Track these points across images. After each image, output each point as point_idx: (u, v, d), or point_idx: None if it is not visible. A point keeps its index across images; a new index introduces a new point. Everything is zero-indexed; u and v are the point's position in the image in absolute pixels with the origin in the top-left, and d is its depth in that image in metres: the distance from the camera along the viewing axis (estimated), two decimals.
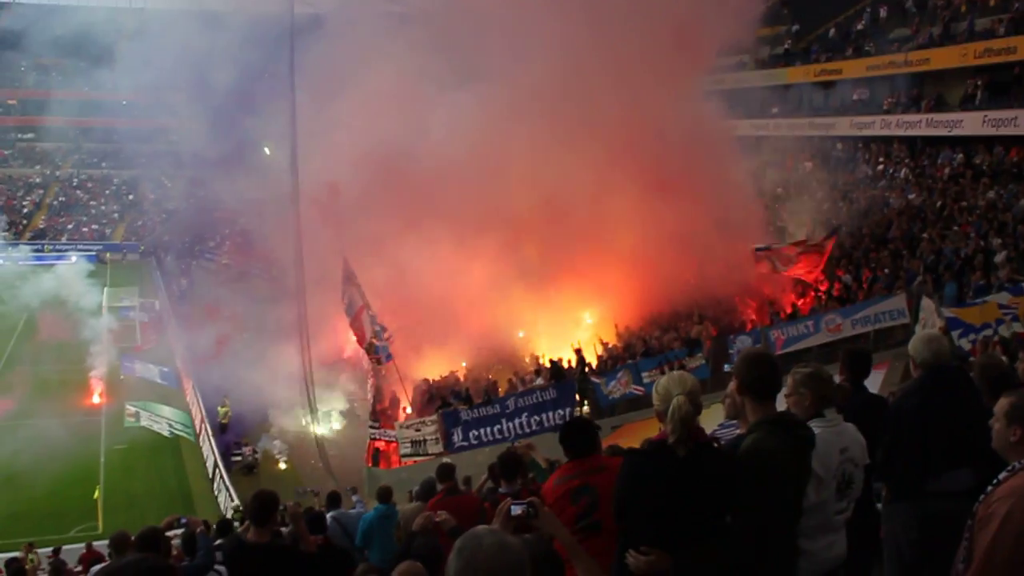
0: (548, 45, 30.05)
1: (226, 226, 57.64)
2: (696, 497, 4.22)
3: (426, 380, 29.94)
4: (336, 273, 28.57)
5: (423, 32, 35.38)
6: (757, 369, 4.70)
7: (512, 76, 30.53)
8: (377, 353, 27.75)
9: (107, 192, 76.32)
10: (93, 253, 65.53)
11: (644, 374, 23.61)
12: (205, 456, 29.77)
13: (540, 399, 24.11)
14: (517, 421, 23.95)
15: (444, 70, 33.35)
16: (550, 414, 23.78)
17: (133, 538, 8.39)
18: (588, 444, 5.59)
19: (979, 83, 31.88)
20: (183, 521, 9.57)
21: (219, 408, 31.42)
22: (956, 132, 31.57)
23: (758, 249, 25.96)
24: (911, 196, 29.64)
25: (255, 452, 29.41)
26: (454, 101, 31.73)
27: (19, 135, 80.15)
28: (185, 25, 43.71)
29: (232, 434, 30.70)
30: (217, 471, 27.64)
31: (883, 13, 39.51)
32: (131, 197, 74.78)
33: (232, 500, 24.80)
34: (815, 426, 4.80)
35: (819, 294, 25.20)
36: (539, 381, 25.96)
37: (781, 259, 25.28)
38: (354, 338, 28.87)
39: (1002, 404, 4.31)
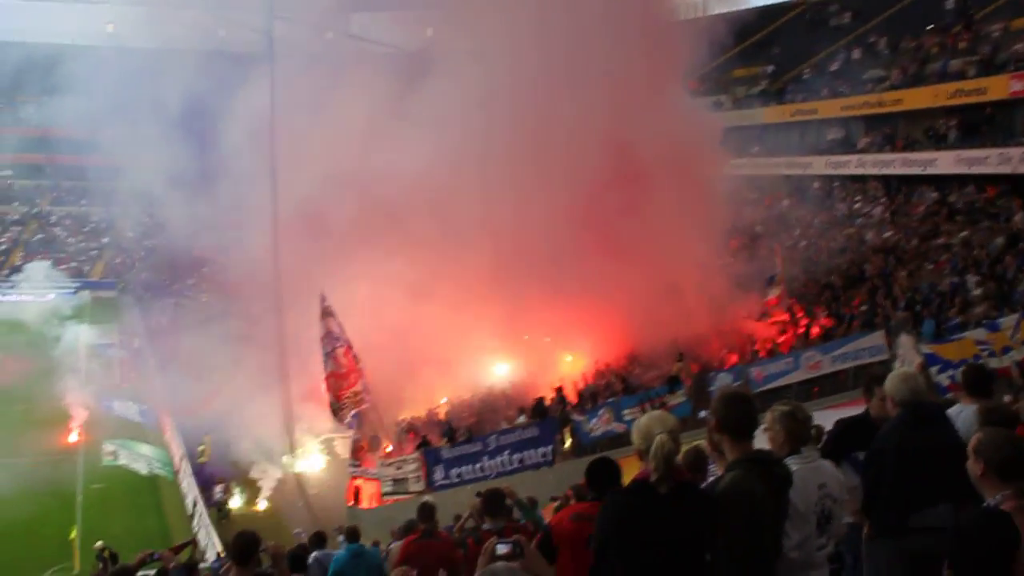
0: (515, 85, 30.28)
1: (205, 263, 57.45)
2: (677, 536, 4.27)
3: (407, 419, 29.93)
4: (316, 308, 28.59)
5: (391, 68, 35.76)
6: (734, 408, 4.77)
7: (482, 115, 30.74)
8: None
9: (85, 229, 75.98)
10: (72, 290, 65.18)
11: (625, 411, 23.62)
12: (184, 495, 29.49)
13: (522, 437, 24.11)
14: (499, 459, 23.90)
15: (411, 109, 33.53)
16: (531, 452, 23.78)
17: None
18: (610, 486, 5.67)
19: (952, 122, 32.38)
20: (156, 557, 9.52)
21: (199, 447, 31.19)
22: (930, 171, 32.01)
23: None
24: (887, 234, 29.96)
25: (227, 492, 29.03)
26: (426, 138, 31.87)
27: None
28: (155, 60, 43.95)
29: (214, 472, 30.37)
30: (196, 510, 27.40)
31: (857, 55, 40.13)
32: (106, 240, 74.38)
33: (212, 539, 24.62)
34: (791, 463, 4.86)
35: (799, 333, 25.37)
36: (521, 419, 25.97)
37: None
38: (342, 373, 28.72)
39: (972, 440, 4.42)
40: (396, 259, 31.05)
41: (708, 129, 32.77)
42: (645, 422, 4.59)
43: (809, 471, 4.94)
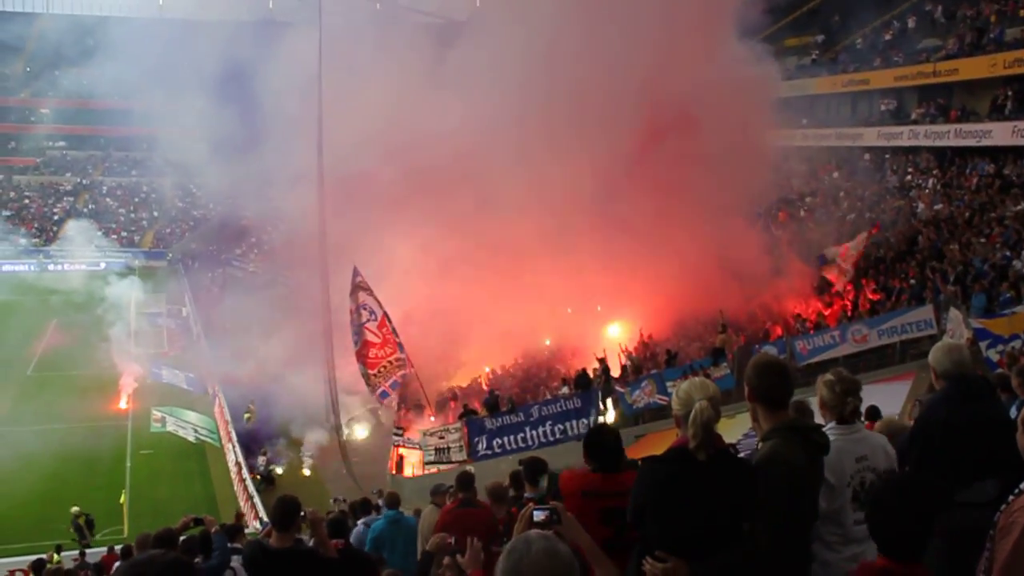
0: (561, 51, 29.95)
1: (252, 233, 58.12)
2: (715, 503, 4.19)
3: (451, 389, 30.01)
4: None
5: (437, 37, 35.67)
6: (767, 377, 4.67)
7: (525, 79, 30.46)
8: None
9: (136, 200, 77.00)
10: (122, 260, 66.15)
11: (668, 383, 23.44)
12: (229, 462, 29.93)
13: (564, 408, 24.13)
14: (541, 430, 23.95)
15: (453, 74, 33.35)
16: (574, 423, 23.78)
17: (151, 538, 8.46)
18: (615, 457, 5.56)
19: (1009, 93, 31.61)
20: (199, 521, 9.63)
21: (244, 414, 31.60)
22: (985, 142, 31.29)
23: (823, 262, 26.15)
24: (939, 207, 29.40)
25: (270, 464, 29.34)
26: (465, 102, 31.71)
27: (50, 143, 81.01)
28: (204, 31, 44.29)
29: (259, 439, 30.75)
30: (241, 475, 27.80)
31: (911, 23, 39.28)
32: (155, 213, 75.29)
33: (257, 505, 24.96)
34: (833, 433, 4.77)
35: (846, 306, 24.98)
36: (564, 390, 25.95)
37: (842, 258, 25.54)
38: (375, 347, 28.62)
39: (1022, 413, 4.28)
40: (438, 226, 31.07)
41: (759, 83, 31.84)
42: (686, 388, 4.50)
43: (848, 442, 4.84)
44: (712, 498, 4.19)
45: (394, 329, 27.84)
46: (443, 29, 39.03)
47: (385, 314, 27.82)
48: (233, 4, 50.76)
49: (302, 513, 7.22)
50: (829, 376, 5.05)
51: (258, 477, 28.32)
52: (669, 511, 4.24)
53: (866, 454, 4.90)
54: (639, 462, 5.12)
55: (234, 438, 29.96)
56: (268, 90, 36.68)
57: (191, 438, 32.18)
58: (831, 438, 4.69)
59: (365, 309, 27.76)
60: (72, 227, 69.47)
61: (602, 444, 5.62)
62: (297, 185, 35.72)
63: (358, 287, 27.98)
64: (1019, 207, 26.12)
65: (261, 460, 29.24)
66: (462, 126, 30.86)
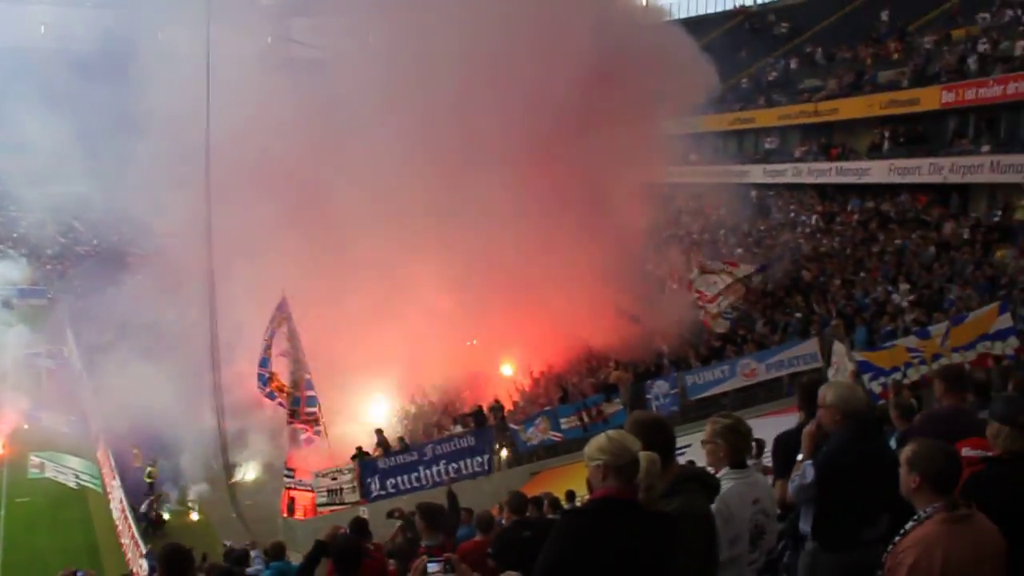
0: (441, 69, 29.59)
1: (137, 269, 56.59)
2: (646, 557, 4.03)
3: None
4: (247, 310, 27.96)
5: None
6: (652, 434, 4.52)
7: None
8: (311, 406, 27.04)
9: (14, 236, 74.40)
10: None
11: (562, 420, 23.62)
12: (113, 508, 28.82)
13: (458, 446, 24.00)
14: (435, 469, 23.74)
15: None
16: (468, 461, 23.70)
17: None
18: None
19: (886, 133, 32.91)
20: (79, 575, 9.19)
21: (147, 467, 30.16)
22: (864, 180, 32.49)
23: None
24: (822, 242, 30.31)
25: (154, 506, 28.10)
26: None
27: None
28: (86, 61, 43.53)
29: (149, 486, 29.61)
30: (127, 523, 26.74)
31: (793, 64, 40.67)
32: (35, 249, 72.86)
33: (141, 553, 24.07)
34: (730, 478, 4.76)
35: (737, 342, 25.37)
36: (457, 428, 25.80)
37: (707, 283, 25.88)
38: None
39: (904, 451, 4.35)
40: (320, 256, 30.30)
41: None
42: (616, 438, 4.20)
43: (745, 487, 4.85)
44: (643, 551, 4.03)
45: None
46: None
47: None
48: (121, 34, 49.45)
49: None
50: (727, 421, 5.01)
51: (142, 524, 27.17)
52: (598, 566, 3.98)
53: (760, 497, 4.91)
54: (560, 514, 5.05)
55: (117, 482, 28.81)
56: (147, 116, 35.51)
57: (72, 484, 30.93)
58: (731, 483, 4.68)
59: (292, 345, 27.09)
60: None
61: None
62: (180, 215, 34.72)
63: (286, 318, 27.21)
64: (897, 242, 27.12)
65: (144, 504, 27.98)
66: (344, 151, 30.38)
